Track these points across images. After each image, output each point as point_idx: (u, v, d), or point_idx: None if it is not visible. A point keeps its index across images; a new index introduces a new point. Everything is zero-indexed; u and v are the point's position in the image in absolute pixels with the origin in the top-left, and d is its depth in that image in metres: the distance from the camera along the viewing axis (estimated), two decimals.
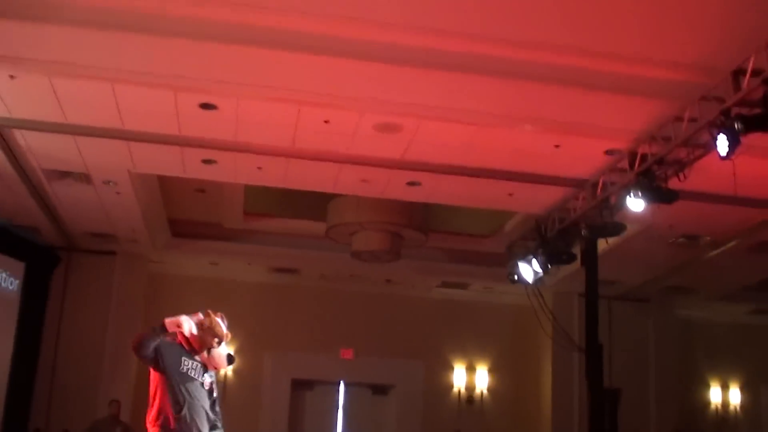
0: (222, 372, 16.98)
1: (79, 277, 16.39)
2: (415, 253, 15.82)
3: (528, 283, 13.66)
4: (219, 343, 6.62)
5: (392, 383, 17.96)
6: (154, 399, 6.38)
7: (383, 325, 17.59)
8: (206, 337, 6.57)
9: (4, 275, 15.04)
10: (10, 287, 15.20)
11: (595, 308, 12.98)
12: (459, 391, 17.95)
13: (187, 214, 15.83)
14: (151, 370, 6.40)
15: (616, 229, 11.89)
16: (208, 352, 6.58)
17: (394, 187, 12.43)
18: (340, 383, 18.01)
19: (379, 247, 14.89)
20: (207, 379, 6.59)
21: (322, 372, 17.76)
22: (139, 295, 16.58)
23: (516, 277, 13.74)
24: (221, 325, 6.64)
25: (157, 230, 15.65)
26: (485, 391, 17.96)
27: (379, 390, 18.12)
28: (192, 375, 6.44)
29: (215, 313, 6.70)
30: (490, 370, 18.07)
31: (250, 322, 17.05)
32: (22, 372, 15.31)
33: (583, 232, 12.04)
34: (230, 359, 6.81)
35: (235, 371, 17.20)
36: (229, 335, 6.71)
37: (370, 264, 15.88)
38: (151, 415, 6.35)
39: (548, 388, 17.45)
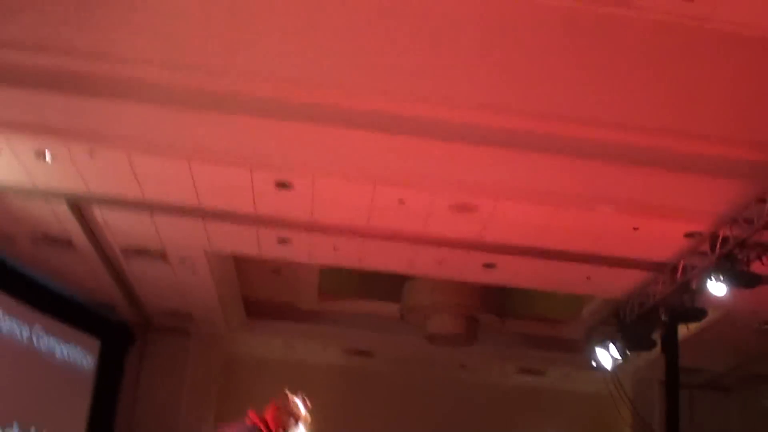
0: None
1: (154, 356, 16.47)
2: (491, 337, 15.61)
3: (606, 369, 13.35)
4: (296, 424, 6.67)
5: None
6: None
7: (457, 411, 17.25)
8: (283, 417, 6.72)
9: (80, 351, 15.18)
10: (86, 363, 15.33)
11: (676, 397, 12.61)
12: None
13: (262, 295, 15.87)
14: None
15: (697, 314, 11.59)
16: None
17: (471, 269, 12.29)
18: None
19: (454, 330, 14.72)
20: None
21: None
22: (213, 375, 16.62)
23: (595, 362, 13.45)
24: (299, 405, 6.74)
25: (232, 310, 15.69)
26: None
27: None
28: None
29: (295, 393, 6.79)
30: None
31: (324, 405, 16.86)
32: None
33: (663, 317, 11.78)
34: None
35: None
36: (309, 417, 6.80)
37: (444, 348, 15.70)
38: None
39: None
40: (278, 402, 6.77)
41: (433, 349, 15.93)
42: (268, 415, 6.68)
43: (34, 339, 14.04)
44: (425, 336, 15.14)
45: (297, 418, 6.72)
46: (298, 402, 6.77)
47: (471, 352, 15.83)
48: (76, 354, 15.00)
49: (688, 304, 11.42)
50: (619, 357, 12.90)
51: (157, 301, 15.08)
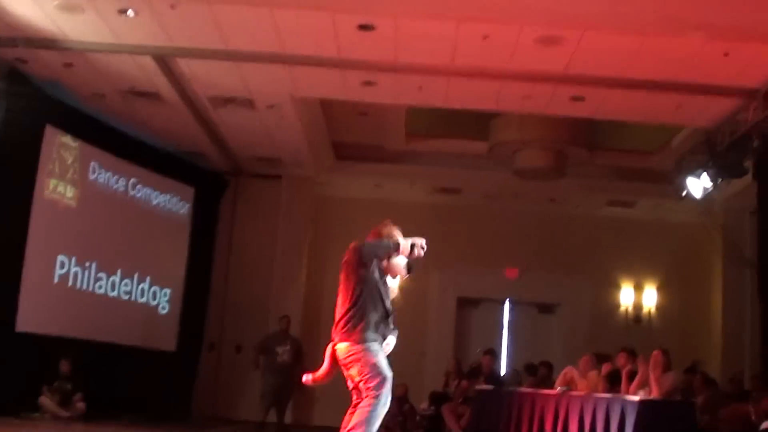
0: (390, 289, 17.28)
1: (247, 201, 16.89)
2: (579, 171, 15.56)
3: (697, 198, 13.26)
4: (398, 252, 6.67)
5: (558, 302, 17.84)
6: (350, 304, 6.50)
7: (548, 243, 17.41)
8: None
9: (175, 199, 15.65)
10: (182, 210, 15.82)
11: None
12: (626, 310, 17.71)
13: (350, 137, 16.00)
14: (348, 276, 6.54)
15: None
16: (389, 260, 6.69)
17: (558, 102, 12.15)
18: (505, 301, 18.03)
19: (543, 164, 14.70)
20: (390, 285, 6.74)
21: (487, 290, 17.77)
22: (305, 217, 16.99)
23: (685, 192, 13.33)
24: (400, 235, 6.71)
25: (321, 153, 15.90)
26: (653, 310, 17.65)
27: (545, 308, 18.05)
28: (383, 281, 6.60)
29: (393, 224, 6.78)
30: (658, 289, 17.70)
31: None
32: (195, 290, 16.02)
33: (755, 143, 11.53)
34: (409, 268, 6.84)
35: (401, 289, 17.35)
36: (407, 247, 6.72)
37: (533, 182, 15.73)
38: (344, 320, 6.48)
39: (719, 307, 17.01)
40: (383, 231, 6.75)
41: (522, 184, 16.00)
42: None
43: (131, 190, 14.53)
44: (513, 171, 15.16)
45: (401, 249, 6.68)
46: (398, 232, 6.71)
47: (559, 185, 15.84)
48: (172, 202, 15.50)
49: None
50: (710, 186, 12.75)
51: (247, 147, 15.33)
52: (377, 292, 6.48)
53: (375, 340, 6.43)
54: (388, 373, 6.40)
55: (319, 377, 6.86)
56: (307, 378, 6.93)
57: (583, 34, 9.84)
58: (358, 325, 6.40)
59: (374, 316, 6.45)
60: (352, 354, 6.42)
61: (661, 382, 10.48)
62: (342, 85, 11.99)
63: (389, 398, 6.41)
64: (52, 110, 12.81)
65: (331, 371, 6.74)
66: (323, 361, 6.73)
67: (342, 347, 6.48)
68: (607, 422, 9.86)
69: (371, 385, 6.34)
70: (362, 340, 6.39)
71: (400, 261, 6.75)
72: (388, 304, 6.57)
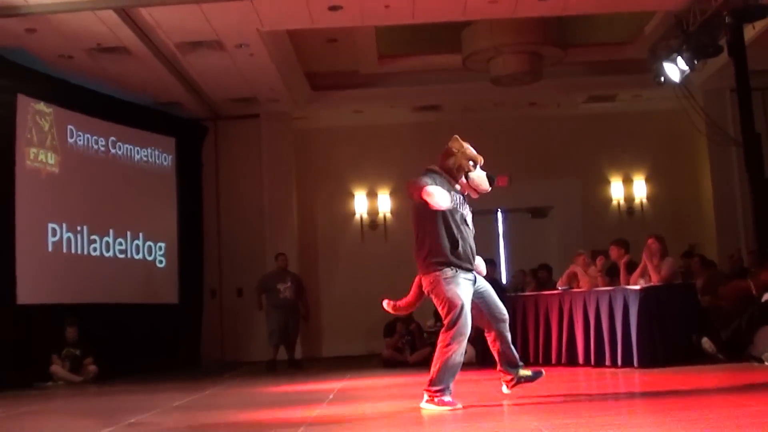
0: (381, 213, 17.37)
1: (229, 144, 16.87)
2: (556, 70, 15.49)
3: (675, 82, 13.25)
4: (475, 166, 6.63)
5: (550, 204, 17.92)
6: (425, 235, 6.52)
7: (534, 148, 17.43)
8: (461, 161, 6.62)
9: (157, 152, 15.60)
10: (165, 162, 15.78)
11: (748, 98, 12.53)
12: (618, 204, 17.80)
13: (323, 67, 15.92)
14: (420, 208, 6.48)
15: (762, 11, 11.31)
16: (466, 176, 6.63)
17: (526, 3, 12.02)
18: (498, 211, 18.09)
19: (519, 68, 14.62)
20: (467, 211, 6.71)
21: (478, 202, 17.62)
22: (288, 152, 16.97)
23: (663, 78, 13.32)
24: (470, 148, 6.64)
25: (296, 86, 15.80)
26: (645, 200, 17.73)
27: (538, 213, 18.13)
28: (458, 209, 6.56)
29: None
30: (647, 179, 17.78)
31: (401, 162, 17.23)
32: (189, 240, 16.12)
33: (727, 19, 11.50)
34: (491, 179, 6.72)
35: (393, 212, 17.47)
36: (481, 158, 6.70)
37: (511, 88, 15.67)
38: (426, 250, 6.50)
39: (708, 188, 17.11)
40: (454, 146, 6.68)
41: (500, 91, 15.95)
42: (446, 163, 6.63)
43: (112, 149, 14.49)
44: (490, 79, 15.09)
45: (476, 161, 6.67)
46: (468, 146, 6.66)
47: (538, 88, 15.77)
48: (154, 155, 15.46)
49: (751, 2, 11.11)
50: (686, 68, 12.75)
51: (222, 90, 15.26)
52: (446, 221, 6.46)
53: (449, 269, 6.42)
54: (462, 301, 6.39)
55: (401, 305, 6.94)
56: (388, 303, 6.96)
57: None
58: (427, 256, 6.47)
59: (446, 245, 6.45)
60: (428, 285, 6.51)
61: (660, 268, 10.59)
62: (308, 13, 11.88)
63: (467, 329, 6.41)
64: (22, 79, 12.72)
65: (414, 301, 6.84)
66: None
67: (423, 280, 6.57)
68: (611, 313, 10.02)
69: (446, 321, 6.40)
70: (433, 270, 6.44)
71: (479, 174, 6.65)
72: (460, 230, 6.52)
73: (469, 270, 6.53)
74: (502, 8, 12.25)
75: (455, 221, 6.49)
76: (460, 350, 6.39)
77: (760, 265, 11.24)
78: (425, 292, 6.56)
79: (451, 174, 6.62)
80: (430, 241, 6.45)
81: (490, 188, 6.75)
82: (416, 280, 6.69)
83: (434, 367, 6.39)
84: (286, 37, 13.82)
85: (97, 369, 12.83)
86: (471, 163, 6.62)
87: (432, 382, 6.38)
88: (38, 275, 12.72)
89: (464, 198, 6.70)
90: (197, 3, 11.26)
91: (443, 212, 6.37)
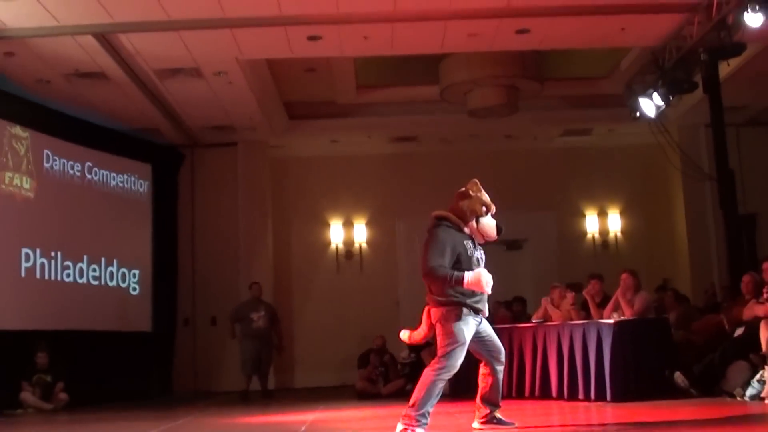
0: (357, 243, 17.35)
1: (205, 171, 16.82)
2: (532, 104, 15.60)
3: (651, 118, 13.37)
4: (487, 213, 6.69)
5: (525, 237, 17.93)
6: None
7: (509, 180, 17.43)
8: (476, 205, 6.67)
9: (133, 178, 15.54)
10: (141, 189, 15.72)
11: (722, 134, 12.65)
12: (593, 237, 17.87)
13: (301, 96, 15.94)
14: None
15: (736, 49, 11.41)
16: (477, 221, 6.67)
17: (503, 37, 12.13)
18: None
19: (496, 101, 14.70)
20: (481, 254, 6.76)
21: None
22: (264, 180, 16.95)
23: (638, 113, 13.43)
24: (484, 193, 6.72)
25: (274, 115, 15.82)
26: (619, 234, 17.81)
27: (513, 245, 18.12)
28: (470, 255, 6.60)
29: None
30: (621, 213, 17.86)
31: (378, 192, 17.34)
32: (164, 267, 15.99)
33: (702, 56, 11.63)
34: (499, 229, 6.80)
35: (369, 242, 17.46)
36: (494, 207, 6.79)
37: (488, 121, 15.74)
38: (441, 287, 6.48)
39: (682, 222, 17.19)
40: (471, 189, 6.76)
41: (477, 124, 16.02)
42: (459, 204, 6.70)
43: (88, 174, 14.45)
44: (467, 112, 15.17)
45: (489, 208, 6.75)
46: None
47: (514, 121, 15.87)
48: (130, 182, 15.41)
49: (726, 41, 11.21)
50: (662, 104, 12.87)
51: (199, 117, 15.25)
52: (463, 263, 6.50)
53: (463, 308, 6.50)
54: (465, 340, 6.51)
55: (415, 339, 7.02)
56: (404, 334, 7.03)
57: None
58: (442, 293, 6.51)
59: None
60: (438, 316, 6.56)
61: (633, 302, 10.64)
62: (287, 43, 11.91)
63: (456, 367, 6.53)
64: None
65: (428, 333, 6.85)
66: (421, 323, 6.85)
67: (434, 311, 6.62)
68: (584, 347, 10.03)
69: (442, 351, 6.49)
70: (446, 305, 6.50)
71: (488, 222, 6.72)
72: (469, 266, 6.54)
73: (479, 312, 6.60)
74: (480, 42, 12.34)
75: (471, 264, 6.54)
76: (444, 382, 6.50)
77: (732, 300, 11.31)
78: (433, 322, 6.60)
79: (462, 217, 6.68)
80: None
81: (497, 237, 6.83)
82: (426, 310, 6.70)
83: (418, 392, 6.44)
84: (264, 66, 13.86)
85: (68, 397, 12.70)
86: (484, 209, 6.70)
87: (414, 405, 6.40)
88: (10, 300, 12.60)
89: (472, 241, 6.73)
90: (176, 30, 11.28)
91: (459, 254, 6.47)
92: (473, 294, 6.47)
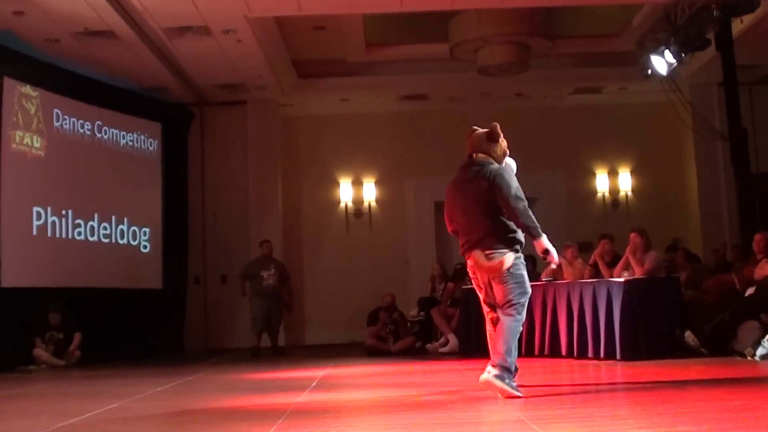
0: (366, 202, 17.35)
1: (215, 130, 16.80)
2: (543, 62, 15.49)
3: (662, 76, 13.28)
4: (498, 142, 6.88)
5: (535, 196, 17.78)
6: (496, 214, 6.56)
7: (519, 139, 16.99)
8: (504, 146, 6.93)
9: (143, 137, 15.53)
10: (151, 148, 15.71)
11: (735, 92, 12.59)
12: (603, 196, 17.82)
13: (311, 54, 15.86)
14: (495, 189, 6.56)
15: (750, 5, 11.29)
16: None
17: None
18: None
19: (506, 59, 14.60)
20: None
21: None
22: (274, 139, 16.91)
23: (650, 71, 13.35)
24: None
25: (283, 73, 15.76)
26: (630, 193, 17.75)
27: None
28: None
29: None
30: (632, 172, 17.80)
31: (387, 151, 17.30)
32: (174, 226, 16.04)
33: (715, 13, 11.51)
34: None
35: (378, 200, 17.45)
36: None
37: (498, 79, 15.64)
38: (502, 229, 6.56)
39: (694, 182, 17.14)
40: (499, 131, 6.88)
41: (487, 82, 15.94)
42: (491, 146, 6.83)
43: (98, 133, 14.43)
44: (477, 69, 15.08)
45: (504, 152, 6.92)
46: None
47: (525, 78, 15.76)
48: (140, 140, 15.40)
49: None
50: (673, 62, 12.77)
51: (208, 76, 15.19)
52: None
53: (521, 252, 6.68)
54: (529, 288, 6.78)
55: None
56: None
57: None
58: (504, 234, 6.60)
59: (517, 229, 6.61)
60: (502, 264, 6.59)
61: (643, 262, 10.63)
62: (296, 0, 11.82)
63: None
64: (8, 61, 12.62)
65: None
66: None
67: (495, 258, 6.61)
68: (594, 305, 10.04)
69: (514, 299, 6.62)
70: (511, 249, 6.59)
71: (512, 164, 7.04)
72: None
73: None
74: None
75: None
76: (521, 324, 6.60)
77: (744, 259, 11.30)
78: (494, 268, 6.55)
79: (497, 159, 6.82)
80: (504, 221, 6.56)
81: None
82: (473, 260, 6.67)
83: (500, 342, 6.47)
84: (273, 24, 13.79)
85: (81, 353, 12.80)
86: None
87: (504, 354, 6.40)
88: (22, 258, 12.67)
89: None
90: None
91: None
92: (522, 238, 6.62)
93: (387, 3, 12.30)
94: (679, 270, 12.31)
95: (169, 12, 12.09)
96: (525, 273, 6.62)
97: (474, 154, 6.83)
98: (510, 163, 6.96)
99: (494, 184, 6.51)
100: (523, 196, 6.51)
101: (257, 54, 14.03)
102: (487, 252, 6.53)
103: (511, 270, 6.50)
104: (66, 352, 12.71)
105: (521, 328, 6.59)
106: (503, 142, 6.87)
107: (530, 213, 6.47)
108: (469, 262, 6.73)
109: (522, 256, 6.62)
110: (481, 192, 6.57)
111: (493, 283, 6.61)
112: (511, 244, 6.52)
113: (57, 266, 13.34)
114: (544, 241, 6.52)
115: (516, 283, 6.52)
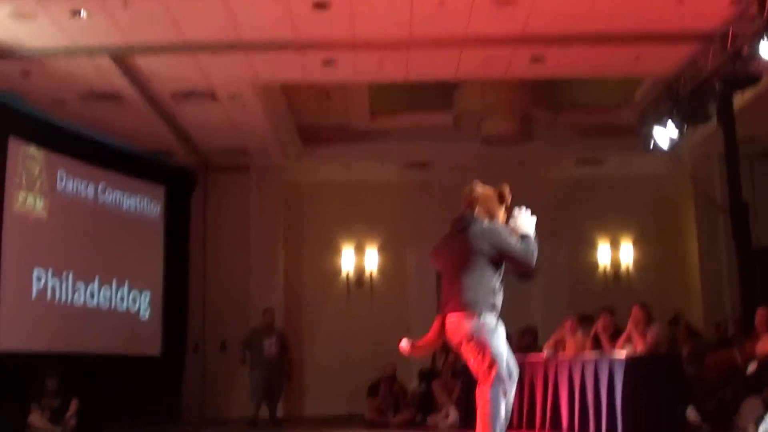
0: (368, 271, 17.28)
1: (218, 195, 16.80)
2: (546, 132, 15.56)
3: (664, 148, 13.32)
4: (504, 205, 6.50)
5: (536, 266, 17.81)
6: (473, 274, 6.10)
7: None
8: (491, 205, 6.50)
9: (146, 200, 15.51)
10: (154, 211, 15.69)
11: (736, 166, 12.61)
12: (605, 268, 17.77)
13: (315, 120, 15.94)
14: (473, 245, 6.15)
15: (752, 79, 11.38)
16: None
17: (518, 65, 12.10)
18: None
19: (509, 129, 14.68)
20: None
21: None
22: (277, 206, 16.89)
23: (652, 143, 13.39)
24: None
25: (287, 140, 15.82)
26: (631, 266, 17.69)
27: (524, 274, 18.05)
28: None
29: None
30: (634, 244, 17.76)
31: (389, 219, 17.26)
32: (175, 291, 15.91)
33: (717, 87, 11.56)
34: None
35: (380, 269, 17.40)
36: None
37: (501, 149, 15.71)
38: (473, 291, 6.07)
39: (695, 255, 17.07)
40: (474, 193, 6.53)
41: (490, 151, 15.97)
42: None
43: (101, 195, 14.41)
44: (481, 139, 15.15)
45: (502, 197, 6.60)
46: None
47: (528, 149, 15.83)
48: (143, 203, 15.37)
49: (741, 71, 11.14)
50: (676, 134, 12.81)
51: (213, 141, 15.26)
52: (498, 267, 6.26)
53: (495, 318, 6.14)
54: (505, 354, 6.09)
55: (420, 344, 6.47)
56: (407, 343, 6.36)
57: None
58: (475, 298, 6.11)
59: (496, 291, 6.21)
60: (468, 330, 6.10)
61: (645, 336, 10.56)
62: (302, 67, 11.92)
63: (512, 378, 6.08)
64: (14, 121, 12.64)
65: (435, 340, 6.44)
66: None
67: (464, 323, 6.12)
68: (596, 383, 9.94)
69: (485, 374, 6.01)
70: (479, 313, 6.07)
71: (527, 217, 6.60)
72: (502, 281, 6.30)
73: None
74: (496, 68, 12.31)
75: (501, 270, 6.25)
76: (503, 401, 5.93)
77: (745, 334, 11.23)
78: (461, 335, 6.04)
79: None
80: (480, 282, 6.10)
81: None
82: (437, 320, 6.23)
83: (479, 428, 5.90)
84: (279, 90, 13.88)
85: (77, 420, 12.63)
86: (502, 206, 6.61)
87: None
88: (21, 321, 12.54)
89: None
90: (193, 53, 11.30)
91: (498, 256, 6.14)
92: (499, 303, 6.15)
93: (393, 72, 12.37)
94: (681, 345, 12.22)
95: (176, 76, 12.18)
96: (496, 340, 6.00)
97: (471, 210, 6.44)
98: (525, 217, 6.57)
99: (484, 237, 6.17)
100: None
101: (262, 120, 14.10)
102: (452, 315, 6.09)
103: (475, 336, 5.97)
104: (62, 418, 12.54)
105: (502, 410, 5.88)
106: (488, 196, 6.57)
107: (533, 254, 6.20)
108: None
109: (494, 320, 6.05)
110: (462, 247, 6.19)
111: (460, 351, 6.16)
112: (482, 306, 6.02)
113: (55, 330, 13.22)
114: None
115: (480, 352, 5.97)
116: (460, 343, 6.08)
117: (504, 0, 9.96)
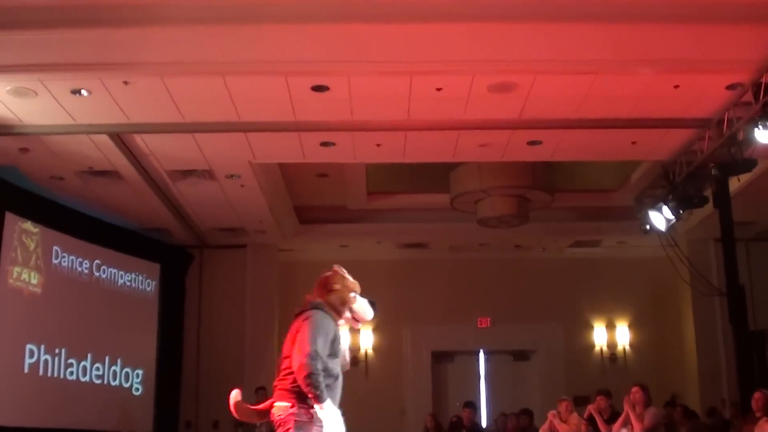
0: (363, 350, 17.20)
1: (213, 273, 16.78)
2: (542, 214, 15.60)
3: (661, 231, 13.37)
4: (355, 297, 6.06)
5: (532, 348, 17.82)
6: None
7: (517, 290, 17.46)
8: (345, 295, 6.03)
9: (141, 278, 15.51)
10: (148, 288, 15.68)
11: (732, 249, 12.60)
12: (601, 350, 17.72)
13: (312, 200, 16.01)
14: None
15: (747, 165, 11.44)
16: (350, 310, 6.05)
17: (515, 148, 12.20)
18: (479, 352, 17.99)
19: (506, 211, 14.73)
20: (345, 346, 6.09)
21: (460, 342, 17.75)
22: (272, 284, 16.86)
23: (648, 227, 13.45)
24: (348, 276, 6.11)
25: (284, 219, 15.86)
26: (627, 348, 17.67)
27: (520, 356, 18.02)
28: (338, 349, 5.88)
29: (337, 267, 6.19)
30: (630, 326, 17.75)
31: (386, 299, 17.08)
32: (168, 368, 15.82)
33: (713, 172, 11.64)
34: (373, 305, 6.20)
35: (375, 348, 17.33)
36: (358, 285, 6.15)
37: (497, 230, 15.75)
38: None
39: (691, 337, 17.05)
40: (335, 281, 6.08)
41: (486, 233, 16.02)
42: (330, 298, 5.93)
43: (96, 272, 14.42)
44: (477, 221, 15.20)
45: (356, 291, 6.11)
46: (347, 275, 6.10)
47: (524, 231, 15.87)
48: (138, 281, 15.37)
49: (737, 156, 11.24)
50: (672, 218, 12.87)
51: (210, 219, 15.28)
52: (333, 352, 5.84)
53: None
54: None
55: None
56: (235, 393, 6.15)
57: (535, 79, 9.91)
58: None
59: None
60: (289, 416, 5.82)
61: (643, 417, 10.49)
62: (300, 148, 11.99)
63: None
64: (11, 197, 12.69)
65: (262, 411, 6.16)
66: None
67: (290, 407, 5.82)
68: None
69: None
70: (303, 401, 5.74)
71: (362, 304, 6.13)
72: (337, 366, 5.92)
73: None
74: (493, 151, 12.40)
75: (334, 364, 5.87)
76: None
77: (742, 417, 11.14)
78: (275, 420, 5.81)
79: (336, 310, 5.98)
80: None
81: (372, 315, 6.27)
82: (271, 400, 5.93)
83: None
84: (277, 170, 13.96)
85: None
86: (353, 295, 6.09)
87: None
88: (12, 397, 12.45)
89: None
90: (191, 133, 11.37)
91: (334, 340, 5.77)
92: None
93: (390, 153, 12.45)
94: (678, 427, 12.13)
95: (175, 155, 12.24)
96: None
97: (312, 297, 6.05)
98: (360, 306, 6.14)
99: (302, 326, 5.69)
100: (323, 354, 5.60)
101: (260, 199, 14.14)
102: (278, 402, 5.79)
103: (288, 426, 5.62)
104: None
105: None
106: (346, 287, 6.10)
107: (320, 378, 5.56)
108: None
109: (312, 413, 5.66)
110: (294, 335, 5.78)
111: None
112: (303, 395, 5.60)
113: (47, 406, 13.12)
114: (325, 406, 5.68)
115: None
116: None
117: (501, 86, 10.05)
